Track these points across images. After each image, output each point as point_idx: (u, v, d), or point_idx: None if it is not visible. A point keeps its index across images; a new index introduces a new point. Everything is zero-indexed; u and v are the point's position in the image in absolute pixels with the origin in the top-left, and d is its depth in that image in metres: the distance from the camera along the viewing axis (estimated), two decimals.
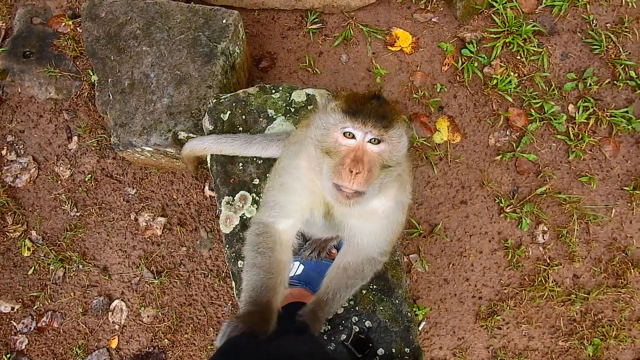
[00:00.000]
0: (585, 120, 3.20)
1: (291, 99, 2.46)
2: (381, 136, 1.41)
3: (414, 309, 2.99)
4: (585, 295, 3.04)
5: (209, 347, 3.02)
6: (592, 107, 3.20)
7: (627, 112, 3.20)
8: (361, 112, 1.40)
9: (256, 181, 2.37)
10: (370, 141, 1.42)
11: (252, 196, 2.36)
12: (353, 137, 1.43)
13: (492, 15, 3.31)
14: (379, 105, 1.44)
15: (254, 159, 2.38)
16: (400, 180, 1.63)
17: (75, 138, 3.26)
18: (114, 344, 3.04)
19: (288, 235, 1.73)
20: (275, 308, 1.65)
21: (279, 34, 3.38)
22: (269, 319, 1.59)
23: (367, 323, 2.22)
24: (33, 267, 3.13)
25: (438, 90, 3.27)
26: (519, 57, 3.28)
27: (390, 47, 3.34)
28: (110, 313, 3.08)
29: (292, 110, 2.44)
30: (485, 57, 3.28)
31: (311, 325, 1.77)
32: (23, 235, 3.16)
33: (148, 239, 3.15)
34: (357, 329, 2.21)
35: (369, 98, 1.46)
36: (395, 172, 1.52)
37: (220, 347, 1.46)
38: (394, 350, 2.17)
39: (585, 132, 3.19)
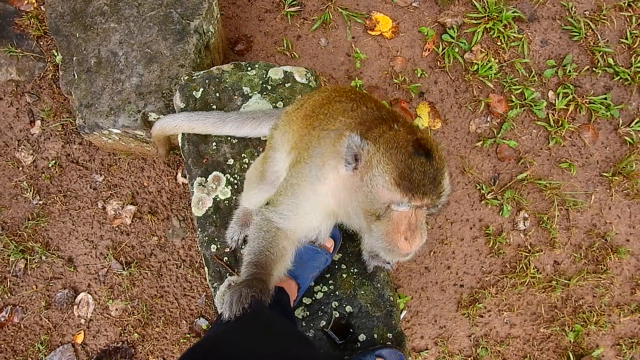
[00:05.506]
0: (565, 107, 3.18)
1: (268, 76, 2.35)
2: (436, 202, 1.35)
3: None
4: (566, 282, 3.02)
5: (181, 340, 2.87)
6: (571, 94, 3.19)
7: (605, 98, 3.20)
8: (417, 185, 1.29)
9: (230, 161, 2.25)
10: None
11: (227, 177, 2.23)
12: None
13: (473, 0, 3.27)
14: (429, 164, 1.31)
15: (228, 137, 2.25)
16: None
17: (38, 122, 3.07)
18: (79, 339, 2.87)
19: (295, 235, 1.68)
20: (277, 275, 1.64)
21: (256, 16, 3.27)
22: (269, 282, 1.57)
23: (348, 308, 2.12)
24: None
25: (419, 75, 3.20)
26: (499, 43, 3.24)
27: (370, 32, 3.26)
28: (75, 307, 2.90)
29: (269, 88, 2.33)
30: (466, 43, 3.23)
31: None
32: None
33: (117, 228, 2.98)
34: (338, 315, 2.11)
35: (416, 155, 1.31)
36: None
37: (195, 345, 1.40)
38: (375, 336, 2.07)
39: (565, 118, 3.17)
